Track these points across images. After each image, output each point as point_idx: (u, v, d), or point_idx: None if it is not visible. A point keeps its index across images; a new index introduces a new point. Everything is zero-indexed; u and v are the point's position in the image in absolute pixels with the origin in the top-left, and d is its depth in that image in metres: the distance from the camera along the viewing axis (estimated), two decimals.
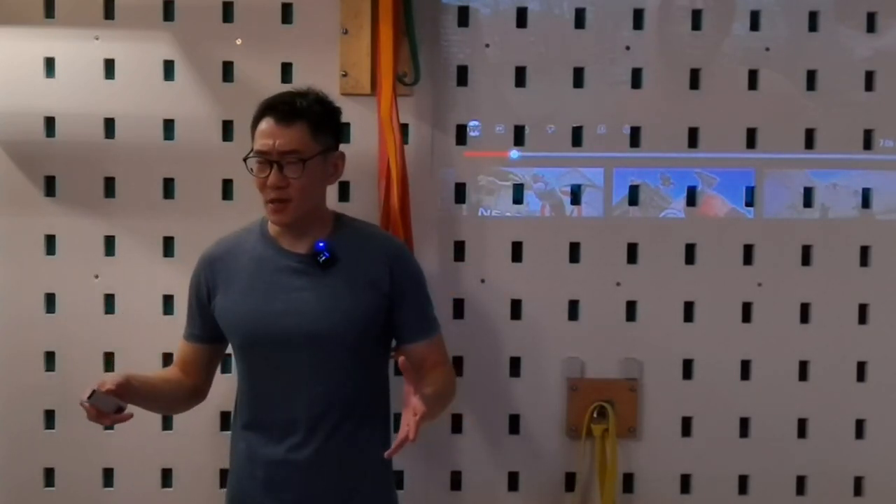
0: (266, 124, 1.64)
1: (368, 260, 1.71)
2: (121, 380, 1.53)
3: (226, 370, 1.98)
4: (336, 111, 1.74)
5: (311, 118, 1.65)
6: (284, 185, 1.62)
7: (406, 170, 1.94)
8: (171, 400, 1.75)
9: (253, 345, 1.69)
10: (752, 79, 2.07)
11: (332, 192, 2.01)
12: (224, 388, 1.87)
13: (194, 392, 1.78)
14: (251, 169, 1.66)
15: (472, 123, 2.07)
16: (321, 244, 1.68)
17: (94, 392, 1.48)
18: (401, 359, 1.56)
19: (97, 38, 2.02)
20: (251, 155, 1.65)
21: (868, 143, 2.09)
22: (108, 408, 1.51)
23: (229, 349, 1.80)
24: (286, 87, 1.95)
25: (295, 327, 1.65)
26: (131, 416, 1.55)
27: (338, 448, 1.68)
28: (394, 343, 1.78)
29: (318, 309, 1.66)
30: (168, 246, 2.04)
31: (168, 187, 2.05)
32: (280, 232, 1.71)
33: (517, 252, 2.07)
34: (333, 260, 1.67)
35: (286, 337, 1.65)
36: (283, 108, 1.64)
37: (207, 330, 1.75)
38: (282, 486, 1.68)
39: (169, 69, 2.03)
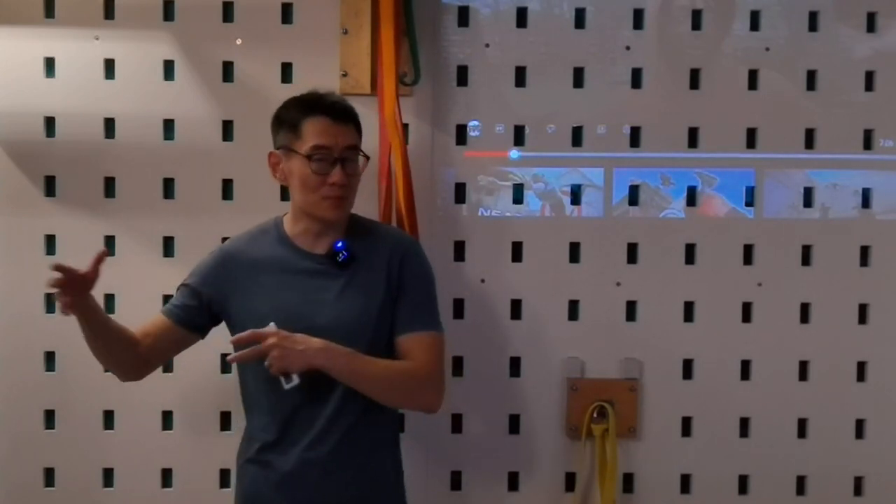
0: (322, 122, 1.66)
1: (382, 257, 1.72)
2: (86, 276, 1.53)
3: (226, 371, 1.98)
4: None
5: (356, 121, 1.72)
6: (347, 182, 1.66)
7: (410, 169, 1.94)
8: (113, 347, 1.66)
9: None
10: (752, 79, 2.07)
11: None
12: (224, 389, 1.88)
13: (137, 362, 1.70)
14: (313, 168, 1.64)
15: (472, 123, 2.07)
16: (340, 244, 1.69)
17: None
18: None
19: (97, 38, 2.02)
20: (311, 153, 1.64)
21: (868, 143, 2.09)
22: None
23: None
24: (287, 87, 1.96)
25: (318, 327, 1.64)
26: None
27: (351, 448, 1.68)
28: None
29: (338, 308, 1.66)
30: (168, 246, 2.04)
31: (168, 187, 2.05)
32: (300, 233, 1.72)
33: (517, 252, 2.07)
34: (352, 259, 1.69)
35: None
36: (338, 107, 1.68)
37: (192, 315, 1.72)
38: (297, 486, 1.67)
39: (169, 69, 2.03)
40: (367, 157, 1.72)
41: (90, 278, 1.55)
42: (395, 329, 1.71)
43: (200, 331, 1.75)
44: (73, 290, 1.53)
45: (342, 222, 1.72)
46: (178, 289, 1.76)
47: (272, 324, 1.59)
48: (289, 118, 1.68)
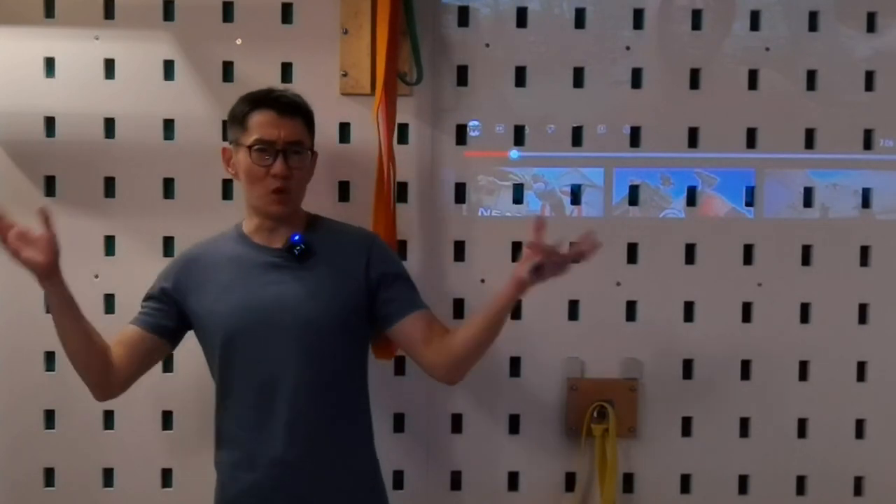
0: (266, 115, 1.68)
1: (345, 251, 1.72)
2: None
3: None
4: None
5: (305, 115, 1.73)
6: (289, 175, 1.67)
7: (391, 170, 1.92)
8: (90, 347, 1.62)
9: (235, 341, 1.68)
10: (752, 79, 2.07)
11: (332, 192, 2.02)
12: None
13: (109, 371, 1.65)
14: (253, 158, 1.67)
15: (472, 123, 2.07)
16: (296, 237, 1.70)
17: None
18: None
19: (97, 38, 2.02)
20: (252, 144, 1.66)
21: (868, 143, 2.09)
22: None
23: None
24: (286, 87, 1.96)
25: (277, 320, 1.65)
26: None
27: (325, 447, 1.68)
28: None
29: (299, 300, 1.66)
30: (168, 246, 2.04)
31: (168, 187, 2.04)
32: (255, 230, 1.74)
33: (517, 252, 2.07)
34: (309, 251, 1.70)
35: (269, 330, 1.65)
36: (284, 101, 1.70)
37: (161, 320, 1.72)
38: (272, 486, 1.68)
39: (169, 69, 2.03)
40: (313, 153, 1.74)
41: (49, 239, 1.55)
42: (395, 311, 1.71)
43: (170, 336, 1.74)
44: (38, 250, 1.54)
45: (295, 218, 1.73)
46: (142, 302, 1.76)
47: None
48: (238, 112, 1.71)
